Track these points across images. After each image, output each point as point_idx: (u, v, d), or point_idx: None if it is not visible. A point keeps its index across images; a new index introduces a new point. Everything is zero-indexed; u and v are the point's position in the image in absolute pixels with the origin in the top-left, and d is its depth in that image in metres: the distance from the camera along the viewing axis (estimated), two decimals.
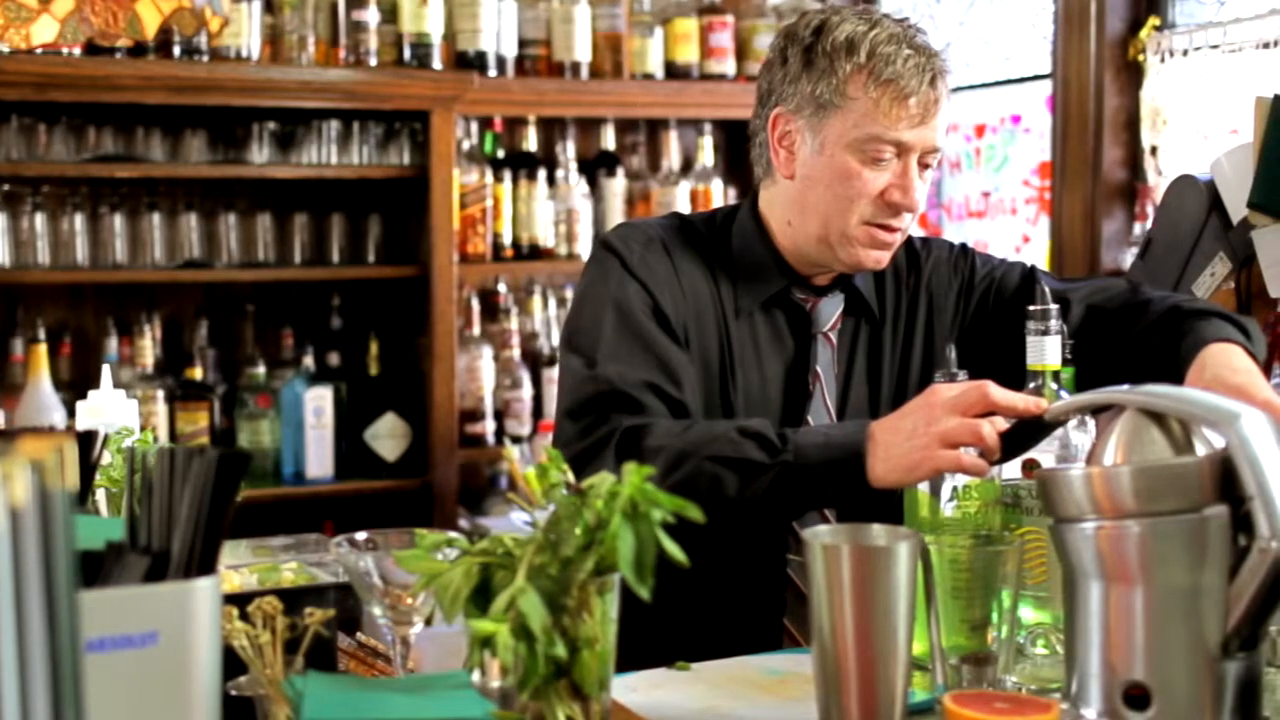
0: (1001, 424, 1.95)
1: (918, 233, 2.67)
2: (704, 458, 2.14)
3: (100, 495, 2.12)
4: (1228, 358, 2.19)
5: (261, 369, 4.74)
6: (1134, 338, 2.38)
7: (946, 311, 2.58)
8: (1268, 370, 2.51)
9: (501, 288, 5.07)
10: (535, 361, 5.07)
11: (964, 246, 2.65)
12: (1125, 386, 1.74)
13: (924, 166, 2.38)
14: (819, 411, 2.45)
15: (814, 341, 2.48)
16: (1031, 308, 2.14)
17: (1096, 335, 2.43)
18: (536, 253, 4.98)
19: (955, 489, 2.03)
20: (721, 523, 2.05)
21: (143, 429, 2.42)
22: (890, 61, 2.32)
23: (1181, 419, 1.64)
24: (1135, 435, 1.65)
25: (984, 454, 1.93)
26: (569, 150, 5.10)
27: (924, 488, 2.06)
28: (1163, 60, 4.03)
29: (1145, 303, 2.44)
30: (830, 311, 2.49)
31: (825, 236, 2.40)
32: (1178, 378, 2.19)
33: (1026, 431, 1.94)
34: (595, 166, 5.17)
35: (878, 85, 2.32)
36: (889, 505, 2.26)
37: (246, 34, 4.50)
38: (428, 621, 1.74)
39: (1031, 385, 2.13)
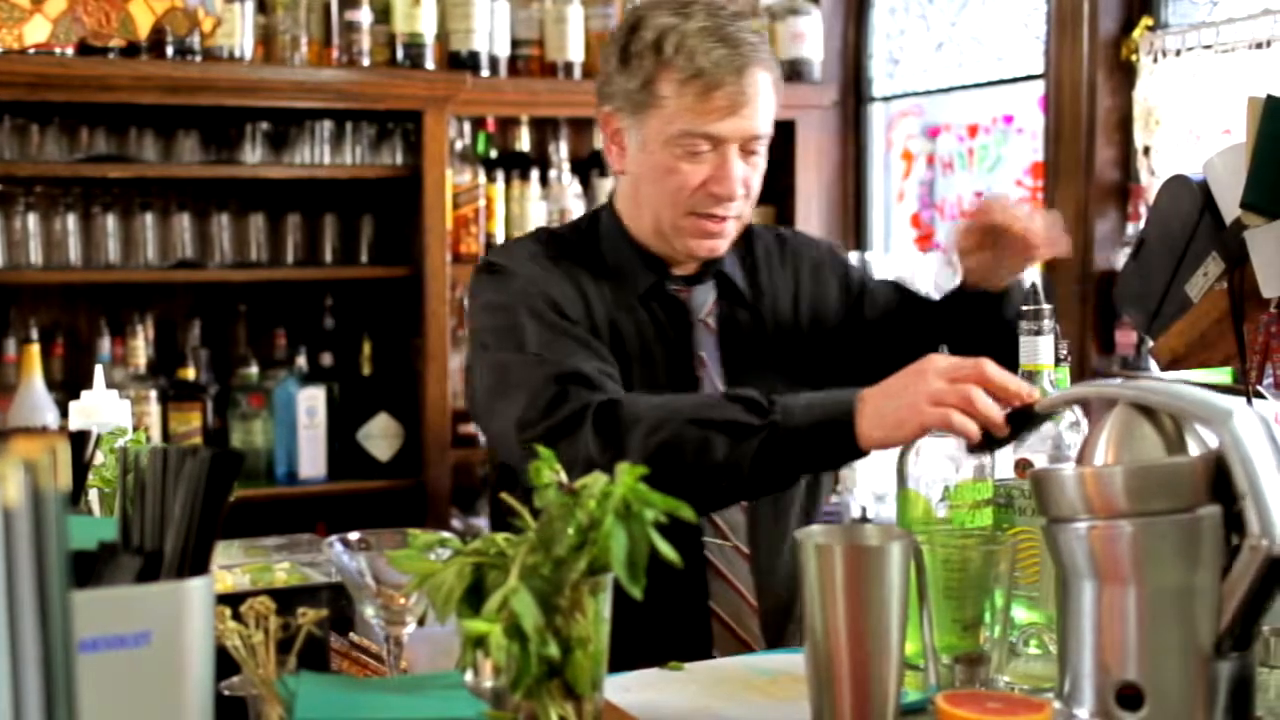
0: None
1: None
2: (688, 421, 2.09)
3: (93, 495, 2.12)
4: None
5: (254, 369, 4.74)
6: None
7: (830, 298, 2.64)
8: (1261, 371, 2.51)
9: None
10: None
11: (831, 245, 2.75)
12: (1118, 380, 1.74)
13: (750, 153, 2.42)
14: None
15: (694, 329, 2.50)
16: (1024, 308, 2.14)
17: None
18: None
19: (947, 488, 2.03)
20: (707, 489, 2.06)
21: (135, 429, 2.42)
22: (694, 57, 2.34)
23: (1173, 415, 1.64)
24: (1126, 431, 1.64)
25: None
26: (562, 150, 5.10)
27: (915, 487, 2.06)
28: (1155, 60, 4.03)
29: None
30: (704, 299, 2.53)
31: (659, 229, 2.45)
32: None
33: (1017, 420, 1.93)
34: (588, 166, 5.17)
35: (685, 82, 2.35)
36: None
37: (239, 34, 4.50)
38: (420, 621, 1.74)
39: None
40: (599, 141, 5.18)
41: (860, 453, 2.04)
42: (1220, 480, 1.56)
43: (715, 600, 2.44)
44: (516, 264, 2.43)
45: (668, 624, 2.30)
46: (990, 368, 1.93)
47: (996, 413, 1.89)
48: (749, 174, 2.42)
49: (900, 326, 2.58)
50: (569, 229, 2.60)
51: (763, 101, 2.40)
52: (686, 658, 2.06)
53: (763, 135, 2.42)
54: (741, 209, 2.45)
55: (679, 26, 2.36)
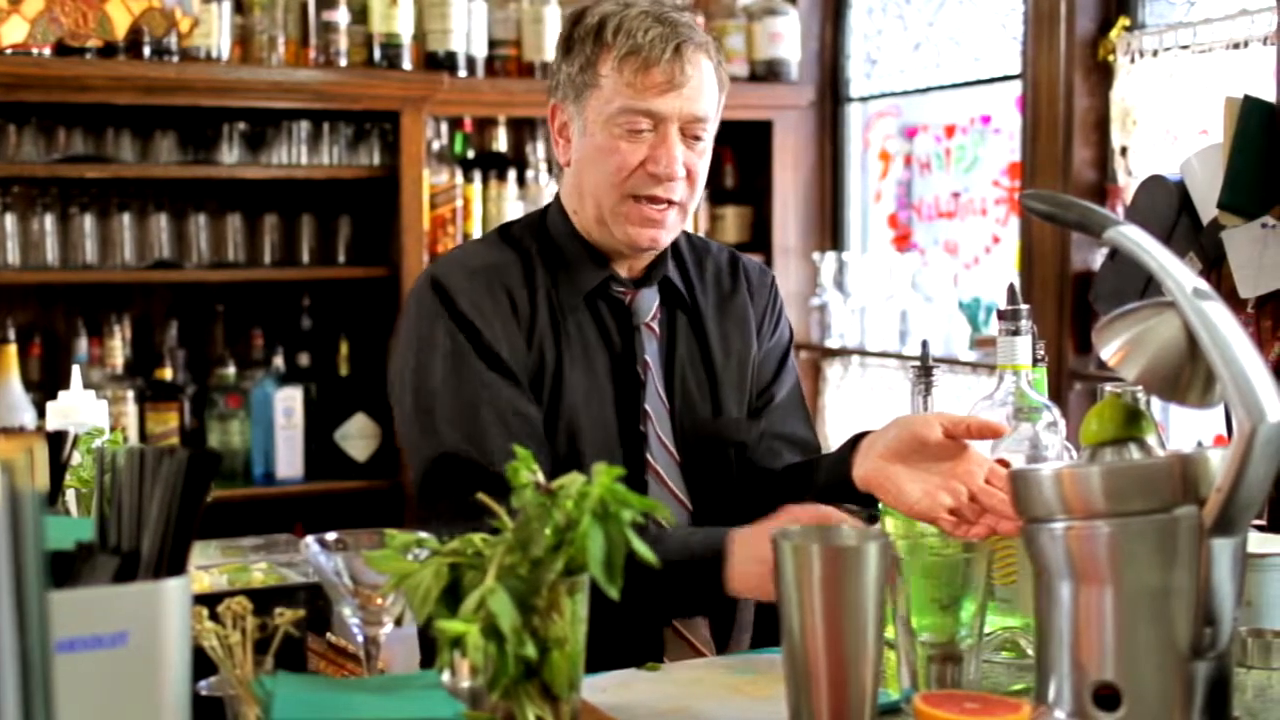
0: None
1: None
2: None
3: (70, 496, 2.11)
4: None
5: (231, 369, 4.73)
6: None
7: (761, 328, 2.65)
8: None
9: None
10: None
11: (774, 283, 2.72)
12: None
13: (694, 138, 2.43)
14: (653, 399, 2.47)
15: (638, 333, 2.50)
16: (1001, 308, 2.15)
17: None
18: None
19: None
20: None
21: (113, 429, 2.41)
22: (632, 35, 2.38)
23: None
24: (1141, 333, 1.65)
25: None
26: (539, 151, 5.10)
27: None
28: (1133, 61, 4.04)
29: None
30: (649, 303, 2.52)
31: (601, 217, 2.44)
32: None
33: None
34: None
35: (622, 59, 2.38)
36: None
37: (216, 34, 4.49)
38: (398, 622, 1.74)
39: (1001, 384, 2.14)
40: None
41: (725, 598, 2.14)
42: (1196, 480, 1.57)
43: None
44: (455, 286, 2.39)
45: (620, 630, 2.29)
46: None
47: None
48: (691, 160, 2.42)
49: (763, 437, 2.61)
50: (525, 226, 2.57)
51: (702, 84, 2.42)
52: (638, 663, 2.06)
53: (704, 119, 2.42)
54: (684, 195, 2.44)
55: (620, 13, 2.41)
